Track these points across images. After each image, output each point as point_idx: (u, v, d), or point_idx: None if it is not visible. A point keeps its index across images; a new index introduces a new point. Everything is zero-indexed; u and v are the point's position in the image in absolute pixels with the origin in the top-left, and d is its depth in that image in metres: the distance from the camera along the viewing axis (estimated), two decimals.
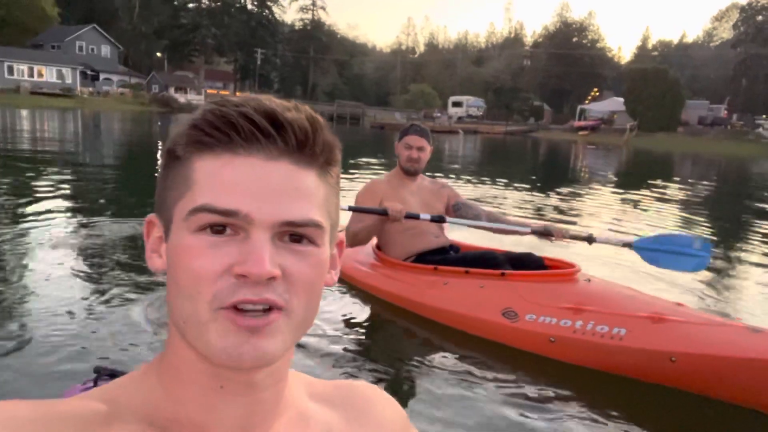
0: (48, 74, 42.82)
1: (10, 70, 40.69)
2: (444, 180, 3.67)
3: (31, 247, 4.09)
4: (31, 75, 41.87)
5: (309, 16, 72.53)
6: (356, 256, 3.47)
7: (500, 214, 3.42)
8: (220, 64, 69.69)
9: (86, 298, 3.11)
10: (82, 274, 3.56)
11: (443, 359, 2.66)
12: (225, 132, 0.42)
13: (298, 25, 73.56)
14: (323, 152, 0.45)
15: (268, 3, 68.18)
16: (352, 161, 12.44)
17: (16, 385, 2.16)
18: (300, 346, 2.59)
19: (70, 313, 2.88)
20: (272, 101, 0.44)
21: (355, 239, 3.16)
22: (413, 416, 2.13)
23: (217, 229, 0.42)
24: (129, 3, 57.17)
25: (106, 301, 3.07)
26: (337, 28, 79.92)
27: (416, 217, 3.03)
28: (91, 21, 51.93)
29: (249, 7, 67.24)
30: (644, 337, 2.31)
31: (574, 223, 6.38)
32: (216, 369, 0.44)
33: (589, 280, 2.74)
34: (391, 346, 2.93)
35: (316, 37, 71.03)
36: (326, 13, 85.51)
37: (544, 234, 2.95)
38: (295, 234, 0.43)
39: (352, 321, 3.09)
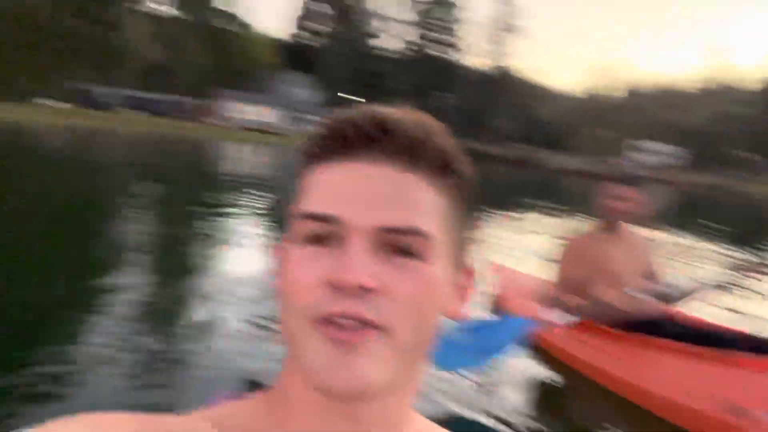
0: (262, 114, 50.32)
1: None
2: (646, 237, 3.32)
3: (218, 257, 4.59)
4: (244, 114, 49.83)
5: (491, 61, 73.43)
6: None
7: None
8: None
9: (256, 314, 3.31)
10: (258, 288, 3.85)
11: None
12: (332, 140, 0.41)
13: (481, 68, 74.79)
14: (436, 159, 0.41)
15: (451, 51, 70.73)
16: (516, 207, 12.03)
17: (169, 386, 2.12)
18: (454, 395, 2.51)
19: (240, 324, 3.13)
20: (386, 108, 0.42)
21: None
22: None
23: (319, 238, 0.40)
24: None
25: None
26: (518, 71, 79.67)
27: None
28: (299, 69, 59.67)
29: (432, 53, 70.51)
30: None
31: None
32: (320, 399, 0.41)
33: None
34: (564, 416, 2.68)
35: (497, 81, 71.49)
36: (511, 60, 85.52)
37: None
38: (399, 245, 0.40)
39: (526, 380, 2.90)
